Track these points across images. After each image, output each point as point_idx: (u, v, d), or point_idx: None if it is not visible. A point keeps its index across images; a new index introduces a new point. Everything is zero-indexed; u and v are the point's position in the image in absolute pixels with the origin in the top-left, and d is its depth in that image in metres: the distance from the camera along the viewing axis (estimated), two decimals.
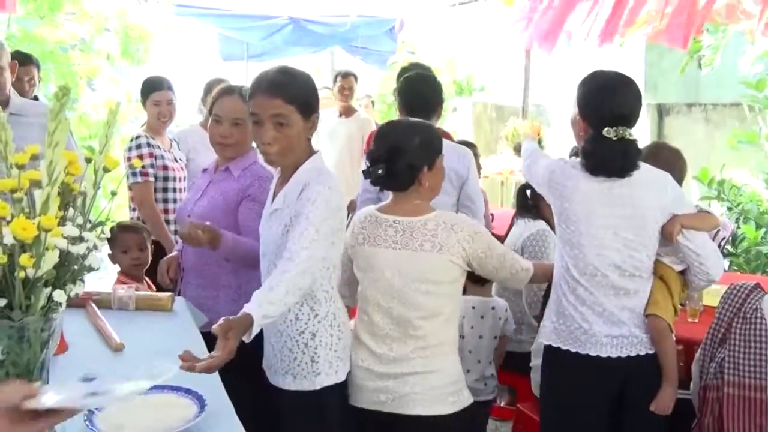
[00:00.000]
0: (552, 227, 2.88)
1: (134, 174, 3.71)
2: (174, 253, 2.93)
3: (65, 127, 1.26)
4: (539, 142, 7.75)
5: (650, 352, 2.35)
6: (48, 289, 1.36)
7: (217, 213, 2.62)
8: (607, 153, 2.25)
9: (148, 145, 3.79)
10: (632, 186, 2.28)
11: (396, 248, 2.19)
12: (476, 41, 8.70)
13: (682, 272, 2.41)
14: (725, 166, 5.99)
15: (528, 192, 3.33)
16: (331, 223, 2.04)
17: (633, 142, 2.27)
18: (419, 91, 3.33)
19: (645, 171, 2.31)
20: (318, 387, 2.12)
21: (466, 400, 2.26)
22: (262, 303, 1.87)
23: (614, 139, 2.24)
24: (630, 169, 2.27)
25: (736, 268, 5.31)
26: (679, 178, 2.63)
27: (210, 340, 2.18)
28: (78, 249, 1.32)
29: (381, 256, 2.20)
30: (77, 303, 2.25)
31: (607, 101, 2.27)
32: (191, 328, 2.37)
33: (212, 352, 1.78)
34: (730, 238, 5.03)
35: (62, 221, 1.39)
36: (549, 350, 2.40)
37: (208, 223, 2.41)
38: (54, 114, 1.23)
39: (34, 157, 1.40)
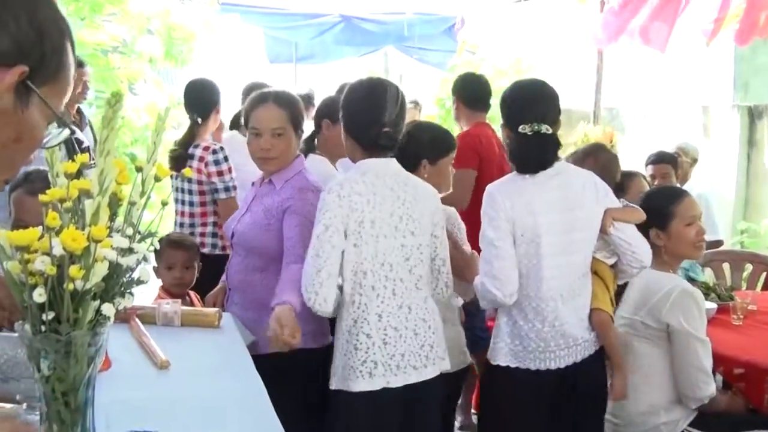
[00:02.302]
0: None
1: (227, 189, 3.75)
2: (220, 285, 2.97)
3: (117, 135, 1.32)
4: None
5: (594, 351, 2.69)
6: (96, 302, 1.41)
7: (257, 231, 2.69)
8: (524, 147, 2.59)
9: (227, 159, 3.81)
10: (573, 188, 2.61)
11: None
12: (543, 40, 8.65)
13: (612, 265, 2.76)
14: None
15: None
16: (323, 225, 2.39)
17: (550, 135, 2.58)
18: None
19: (575, 172, 2.68)
20: (333, 387, 2.47)
21: (462, 362, 3.00)
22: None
23: (530, 134, 2.56)
24: (548, 162, 2.60)
25: None
26: (613, 182, 3.07)
27: (256, 361, 2.25)
28: (127, 261, 1.38)
29: None
30: (121, 318, 2.33)
31: (519, 102, 2.64)
32: (239, 346, 2.42)
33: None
34: None
35: (109, 232, 1.46)
36: (503, 370, 2.66)
37: (279, 318, 2.37)
38: (106, 121, 1.30)
39: (85, 166, 1.47)
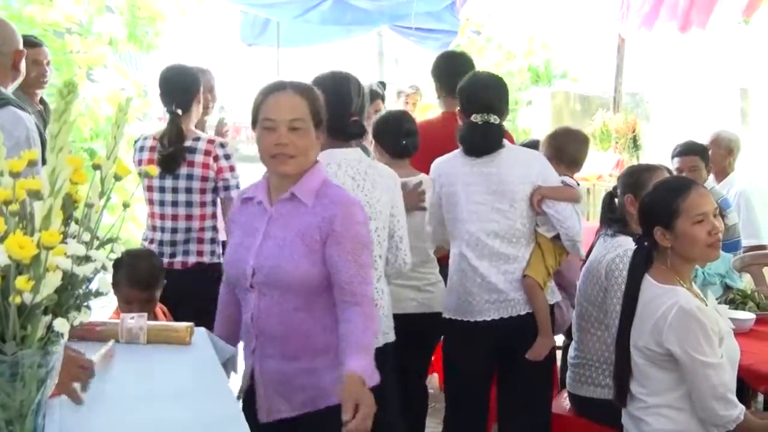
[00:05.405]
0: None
1: (237, 186, 3.76)
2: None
3: (70, 129, 1.32)
4: (634, 140, 7.75)
5: (529, 311, 3.30)
6: (48, 317, 1.41)
7: (299, 264, 2.48)
8: (472, 134, 3.32)
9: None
10: (500, 165, 3.31)
11: None
12: (557, 18, 8.68)
13: (558, 239, 3.35)
14: None
15: (616, 200, 3.34)
16: None
17: (496, 126, 3.32)
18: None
19: (515, 152, 3.41)
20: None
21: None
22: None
23: (480, 123, 3.29)
24: (492, 149, 3.30)
25: None
26: (572, 163, 3.72)
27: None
28: (84, 270, 1.38)
29: None
30: (77, 335, 2.32)
31: (473, 92, 3.37)
32: (213, 364, 2.42)
33: None
34: None
35: (63, 238, 1.45)
36: (445, 322, 3.44)
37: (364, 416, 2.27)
38: (58, 114, 1.30)
39: (33, 163, 1.47)
